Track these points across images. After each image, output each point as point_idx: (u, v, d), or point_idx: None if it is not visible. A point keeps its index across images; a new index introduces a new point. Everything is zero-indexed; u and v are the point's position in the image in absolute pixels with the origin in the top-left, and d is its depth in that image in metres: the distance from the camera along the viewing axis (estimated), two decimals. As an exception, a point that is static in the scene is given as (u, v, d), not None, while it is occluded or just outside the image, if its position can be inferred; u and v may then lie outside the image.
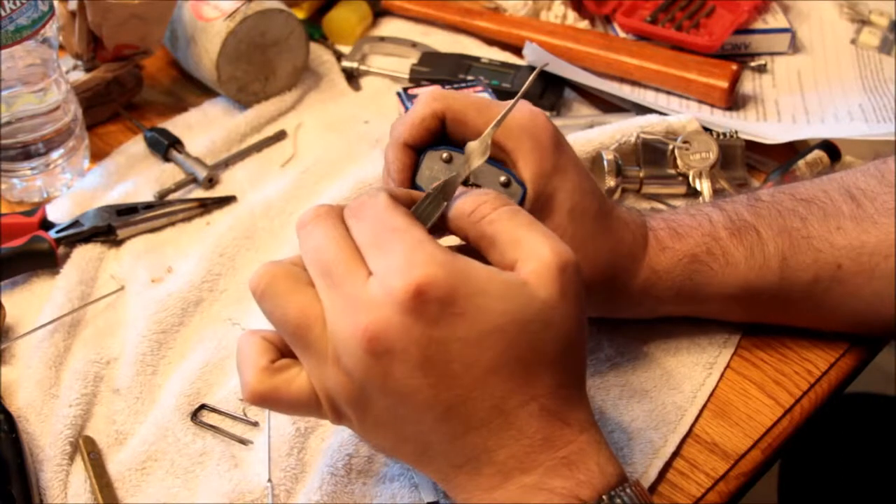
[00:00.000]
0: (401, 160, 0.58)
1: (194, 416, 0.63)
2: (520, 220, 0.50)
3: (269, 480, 0.60)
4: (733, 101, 0.88)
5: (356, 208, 0.50)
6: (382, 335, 0.45)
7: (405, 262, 0.45)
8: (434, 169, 0.57)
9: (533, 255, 0.48)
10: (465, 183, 0.55)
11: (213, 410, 0.64)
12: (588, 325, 0.51)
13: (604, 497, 0.47)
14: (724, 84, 0.86)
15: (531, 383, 0.48)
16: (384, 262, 0.46)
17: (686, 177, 0.77)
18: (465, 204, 0.51)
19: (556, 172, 0.58)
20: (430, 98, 0.58)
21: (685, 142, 0.78)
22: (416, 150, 0.58)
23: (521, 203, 0.57)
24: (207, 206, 0.78)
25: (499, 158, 0.58)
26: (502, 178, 0.57)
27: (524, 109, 0.58)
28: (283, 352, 0.51)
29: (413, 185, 0.58)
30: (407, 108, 0.59)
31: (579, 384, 0.51)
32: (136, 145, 0.84)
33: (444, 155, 0.58)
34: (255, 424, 0.63)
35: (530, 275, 0.47)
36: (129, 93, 0.88)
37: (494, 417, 0.48)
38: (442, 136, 0.58)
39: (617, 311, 0.65)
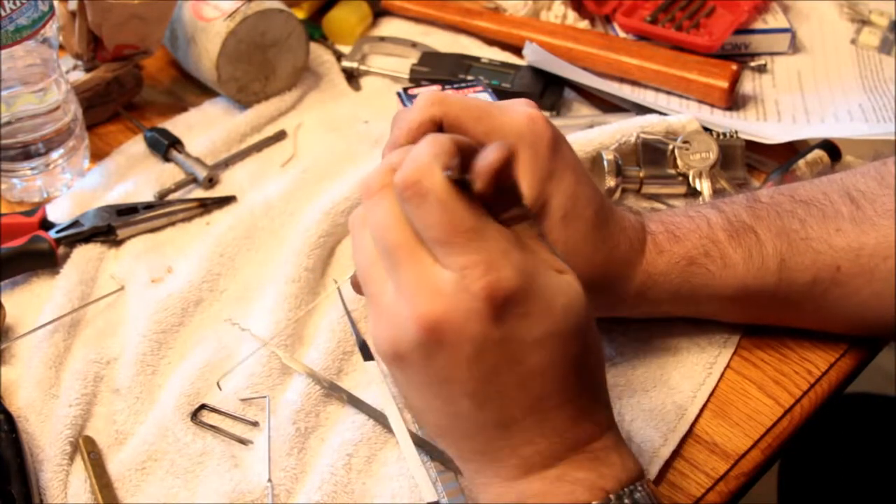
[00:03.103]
0: None
1: (194, 416, 0.63)
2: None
3: (269, 480, 0.60)
4: (733, 101, 0.87)
5: (413, 194, 0.45)
6: (443, 326, 0.45)
7: (482, 265, 0.44)
8: None
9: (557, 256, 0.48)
10: None
11: (213, 410, 0.64)
12: None
13: (626, 489, 0.48)
14: (724, 84, 0.86)
15: (573, 384, 0.48)
16: (457, 261, 0.45)
17: (686, 177, 0.77)
18: None
19: (551, 178, 0.58)
20: (426, 103, 0.56)
21: (685, 142, 0.78)
22: None
23: None
24: (207, 206, 0.78)
25: None
26: None
27: (522, 114, 0.58)
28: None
29: None
30: (412, 104, 0.59)
31: (604, 379, 0.51)
32: (136, 145, 0.84)
33: None
34: (255, 424, 0.63)
35: (568, 273, 0.47)
36: (129, 93, 0.88)
37: (529, 416, 0.48)
38: None
39: (611, 313, 0.65)
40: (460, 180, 0.45)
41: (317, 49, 0.94)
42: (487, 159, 0.45)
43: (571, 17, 0.97)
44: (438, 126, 0.56)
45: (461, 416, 0.48)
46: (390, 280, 0.47)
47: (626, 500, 0.47)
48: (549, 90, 0.87)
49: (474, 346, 0.45)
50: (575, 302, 0.47)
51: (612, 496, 0.47)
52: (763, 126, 0.85)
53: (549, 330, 0.46)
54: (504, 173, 0.45)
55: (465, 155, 0.46)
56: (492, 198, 0.46)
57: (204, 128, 0.86)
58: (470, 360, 0.46)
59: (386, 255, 0.47)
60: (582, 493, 0.47)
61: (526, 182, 0.57)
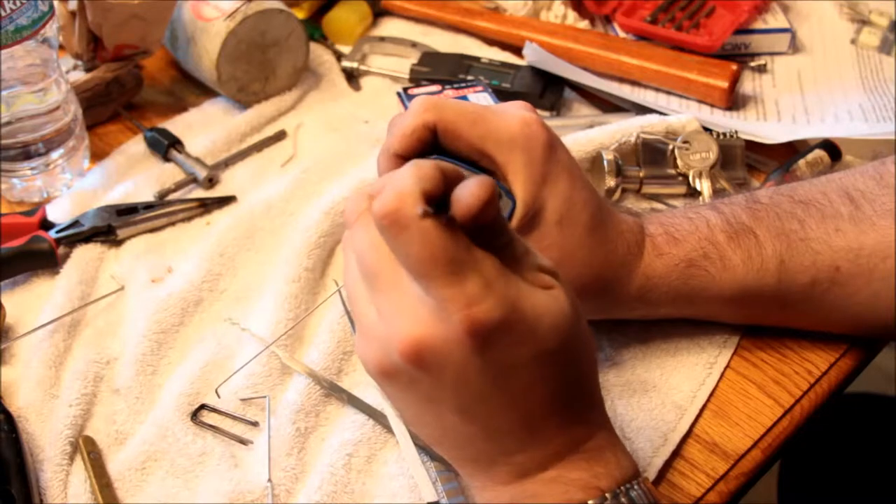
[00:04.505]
0: (391, 171, 0.57)
1: (194, 416, 0.63)
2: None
3: (269, 480, 0.60)
4: (733, 101, 0.88)
5: (390, 224, 0.44)
6: (424, 351, 0.44)
7: (462, 298, 0.43)
8: None
9: (542, 269, 0.48)
10: None
11: (213, 410, 0.64)
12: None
13: (622, 487, 0.48)
14: (724, 84, 0.86)
15: (561, 395, 0.48)
16: (438, 293, 0.44)
17: (686, 177, 0.77)
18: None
19: (546, 183, 0.57)
20: (421, 108, 0.56)
21: (685, 142, 0.78)
22: (408, 159, 0.57)
23: (510, 216, 0.57)
24: (207, 206, 0.78)
25: (491, 170, 0.58)
26: None
27: (517, 118, 0.57)
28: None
29: None
30: (407, 109, 0.59)
31: (596, 379, 0.51)
32: (136, 145, 0.84)
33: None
34: (255, 424, 0.63)
35: (555, 287, 0.47)
36: (129, 93, 0.88)
37: (518, 429, 0.48)
38: (434, 145, 0.57)
39: (610, 315, 0.65)
40: (442, 210, 0.44)
41: (317, 49, 0.94)
42: (466, 200, 0.43)
43: (571, 17, 0.97)
44: (432, 131, 0.56)
45: (450, 429, 0.48)
46: (372, 303, 0.47)
47: (623, 499, 0.48)
48: (549, 90, 0.87)
49: (457, 372, 0.45)
50: (561, 318, 0.46)
51: (607, 494, 0.47)
52: (763, 126, 0.85)
53: (534, 352, 0.46)
54: (485, 212, 0.43)
55: (450, 182, 0.45)
56: (475, 229, 0.44)
57: (204, 128, 0.86)
58: (454, 385, 0.46)
59: (367, 279, 0.47)
60: (577, 493, 0.48)
61: (520, 186, 0.57)
